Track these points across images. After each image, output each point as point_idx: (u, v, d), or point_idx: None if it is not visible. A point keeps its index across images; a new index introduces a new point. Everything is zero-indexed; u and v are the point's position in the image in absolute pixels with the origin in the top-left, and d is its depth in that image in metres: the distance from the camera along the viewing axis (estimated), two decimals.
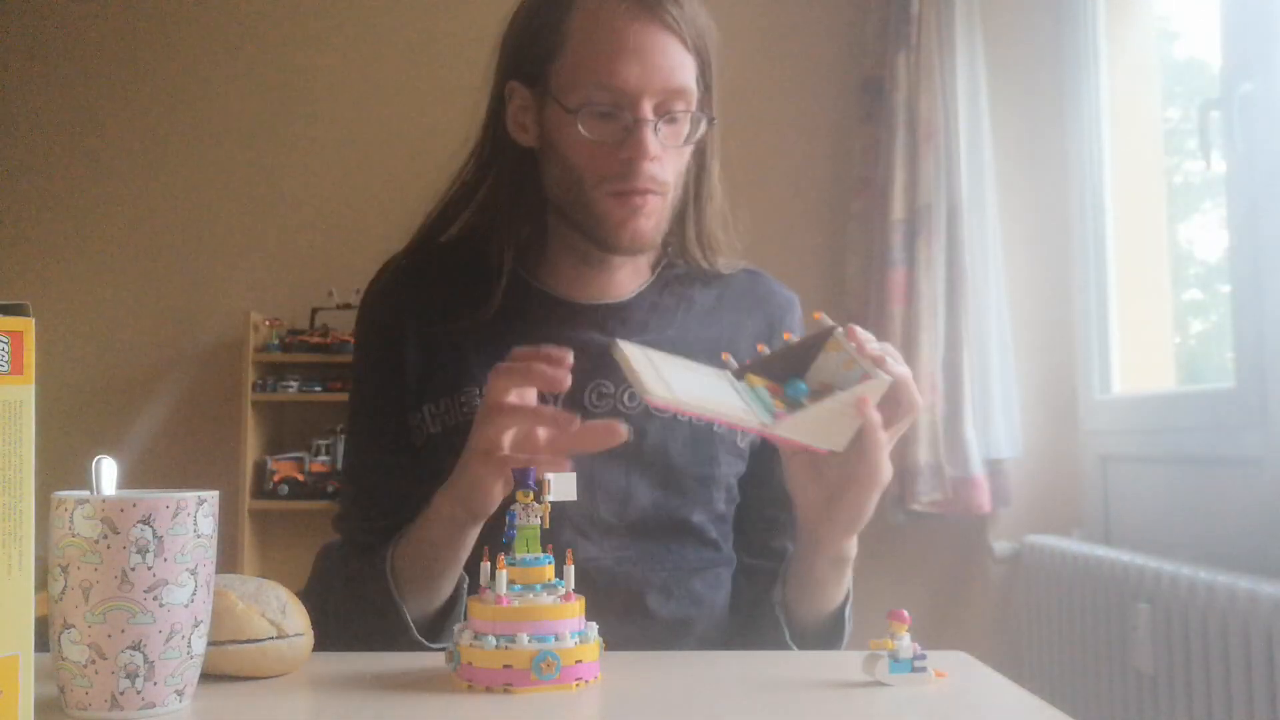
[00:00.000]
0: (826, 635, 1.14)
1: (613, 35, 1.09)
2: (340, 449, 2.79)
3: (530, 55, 1.14)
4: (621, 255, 1.18)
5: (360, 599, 1.10)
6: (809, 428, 0.94)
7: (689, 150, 1.16)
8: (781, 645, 1.13)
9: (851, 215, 2.94)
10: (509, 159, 1.18)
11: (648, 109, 1.09)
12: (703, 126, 1.15)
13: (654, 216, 1.13)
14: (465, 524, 1.03)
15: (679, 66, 1.10)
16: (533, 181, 1.18)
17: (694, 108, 1.13)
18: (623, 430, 0.96)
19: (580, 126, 1.10)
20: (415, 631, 1.06)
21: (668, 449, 1.16)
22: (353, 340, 1.30)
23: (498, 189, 1.19)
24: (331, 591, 1.17)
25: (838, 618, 1.14)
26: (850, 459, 0.98)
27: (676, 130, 1.13)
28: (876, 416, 0.96)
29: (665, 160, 1.12)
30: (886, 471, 0.99)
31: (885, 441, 0.98)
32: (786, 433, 0.93)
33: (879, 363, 0.95)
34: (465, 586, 1.09)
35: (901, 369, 0.97)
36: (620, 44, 1.09)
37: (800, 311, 1.30)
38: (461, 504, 1.02)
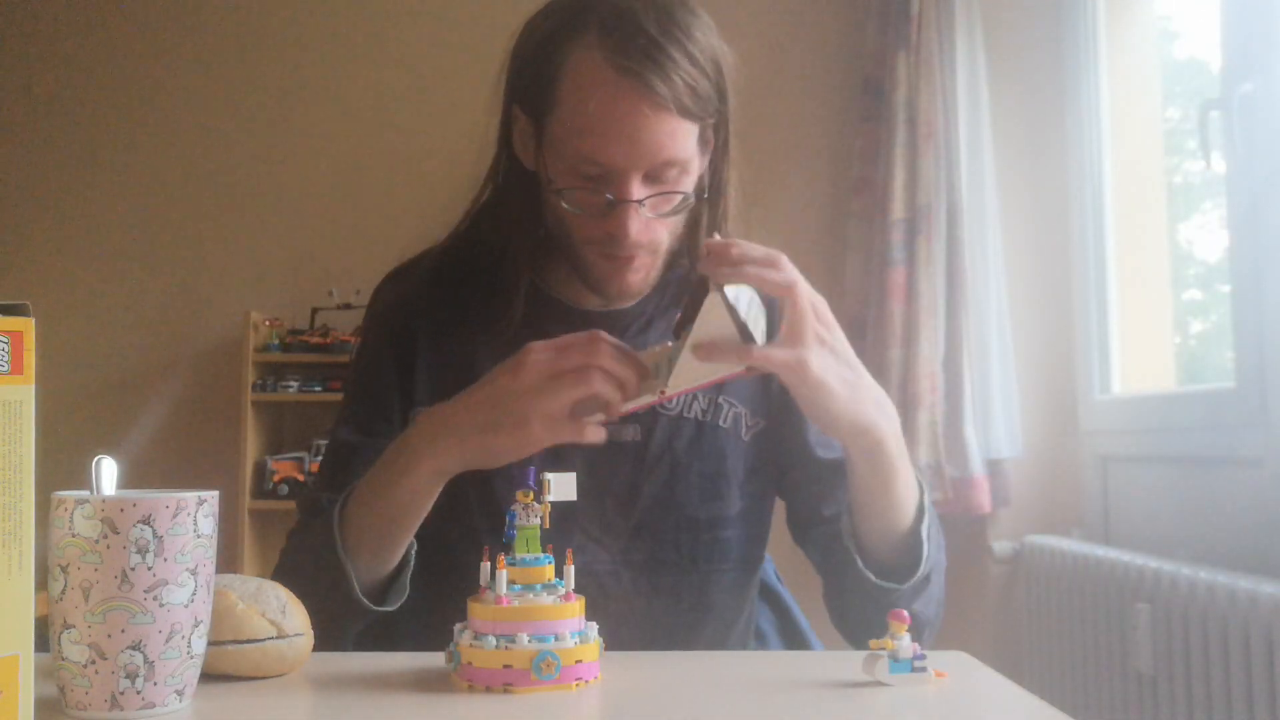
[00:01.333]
0: (902, 557, 1.09)
1: (602, 112, 1.04)
2: None
3: (529, 92, 1.12)
4: (607, 301, 1.17)
5: (304, 560, 1.08)
6: (696, 371, 0.95)
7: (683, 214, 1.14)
8: (863, 583, 1.09)
9: (851, 215, 2.94)
10: (517, 177, 1.18)
11: (634, 186, 1.07)
12: (691, 202, 1.12)
13: (643, 270, 1.13)
14: (450, 474, 1.02)
15: (669, 139, 1.06)
16: (538, 202, 1.17)
17: (691, 170, 1.10)
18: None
19: (564, 204, 1.09)
20: (358, 590, 1.03)
21: (673, 446, 1.16)
22: (361, 330, 1.29)
23: (508, 206, 1.19)
24: (282, 561, 1.15)
25: (911, 540, 1.10)
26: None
27: (668, 199, 1.10)
28: (717, 329, 0.93)
29: (657, 224, 1.11)
30: (788, 356, 0.96)
31: (757, 350, 0.95)
32: (679, 387, 0.96)
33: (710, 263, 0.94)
34: (414, 553, 1.07)
35: (722, 262, 0.94)
36: (607, 122, 1.04)
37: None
38: (460, 457, 1.00)
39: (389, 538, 1.05)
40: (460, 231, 1.23)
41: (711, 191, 1.16)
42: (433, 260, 1.24)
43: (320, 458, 1.26)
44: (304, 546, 1.12)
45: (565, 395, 0.95)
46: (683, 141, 1.07)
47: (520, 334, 1.16)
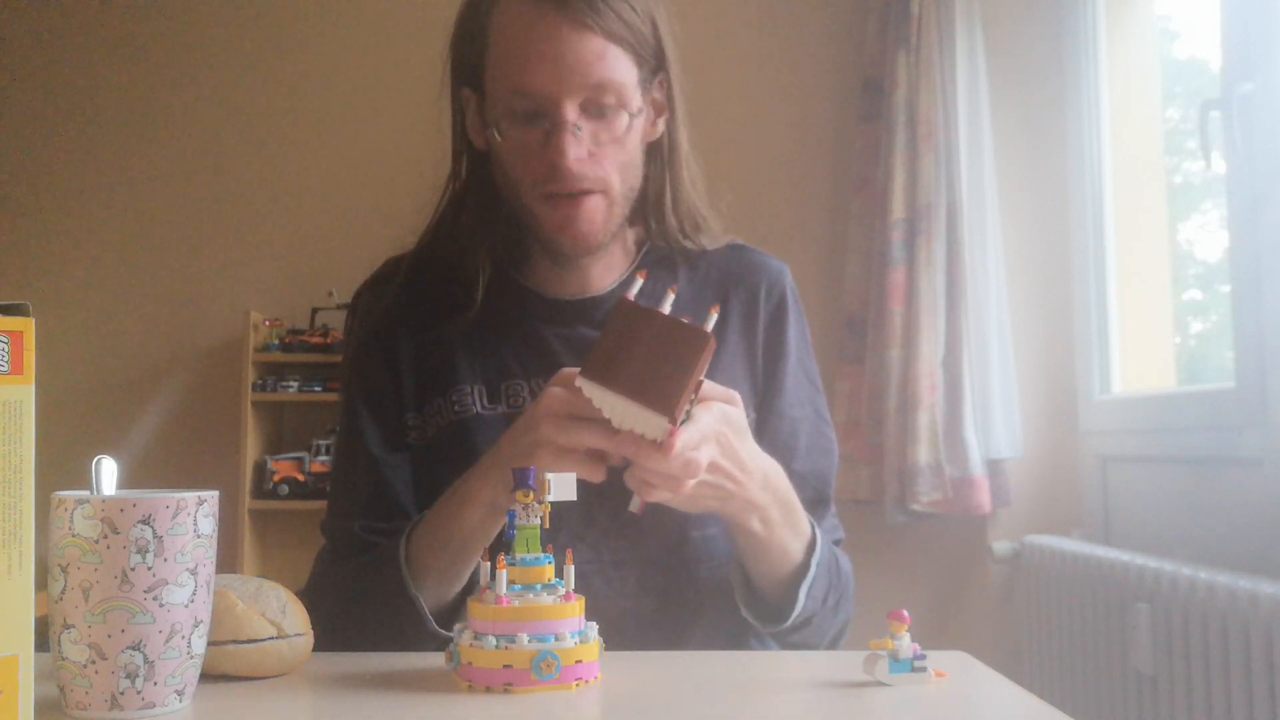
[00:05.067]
0: (782, 601, 1.12)
1: (523, 38, 1.06)
2: None
3: (468, 61, 1.14)
4: (568, 257, 1.17)
5: (367, 595, 1.09)
6: (631, 418, 0.94)
7: (635, 141, 1.14)
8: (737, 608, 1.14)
9: (851, 215, 2.94)
10: (475, 167, 1.19)
11: (569, 110, 1.07)
12: (631, 122, 1.12)
13: (596, 217, 1.12)
14: (504, 508, 1.01)
15: (598, 60, 1.07)
16: (496, 187, 1.18)
17: (630, 99, 1.10)
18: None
19: (497, 134, 1.09)
20: (432, 623, 1.05)
21: None
22: (348, 344, 1.29)
23: (468, 196, 1.20)
24: (329, 593, 1.16)
25: (788, 591, 1.11)
26: None
27: (609, 124, 1.10)
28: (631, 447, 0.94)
29: (601, 156, 1.10)
30: (669, 489, 0.97)
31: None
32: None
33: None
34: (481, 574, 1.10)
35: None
36: (530, 46, 1.06)
37: (790, 280, 1.28)
38: (508, 488, 1.01)
39: (452, 569, 1.07)
40: (430, 233, 1.24)
41: (669, 153, 1.17)
42: (407, 264, 1.25)
43: (333, 475, 1.26)
44: (361, 579, 1.12)
45: (578, 435, 0.95)
46: (612, 64, 1.08)
47: (495, 325, 1.18)
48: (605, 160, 1.11)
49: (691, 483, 0.96)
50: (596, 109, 1.09)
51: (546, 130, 1.08)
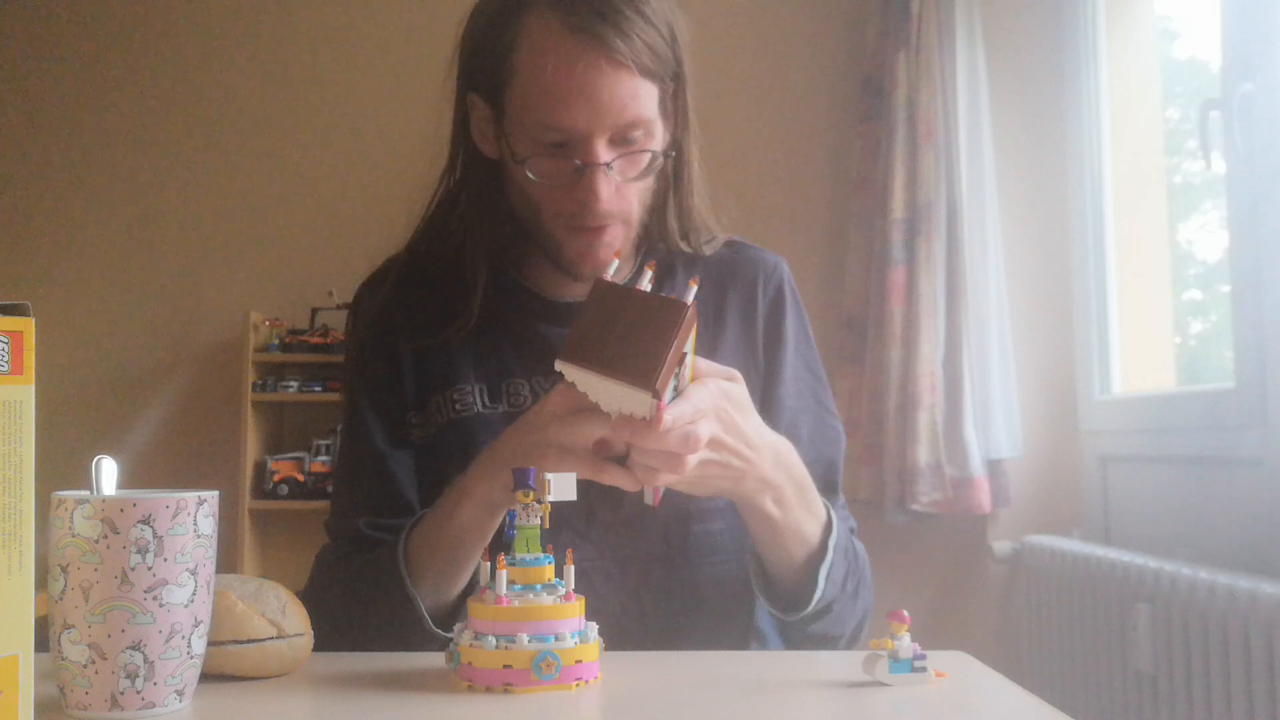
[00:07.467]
0: (800, 588, 1.10)
1: (561, 75, 1.03)
2: None
3: (484, 77, 1.12)
4: (580, 276, 1.17)
5: (368, 594, 1.09)
6: (613, 399, 0.92)
7: (653, 176, 1.14)
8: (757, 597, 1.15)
9: (851, 215, 2.94)
10: (478, 169, 1.18)
11: (600, 149, 1.06)
12: (660, 160, 1.12)
13: (615, 244, 1.13)
14: (501, 506, 1.01)
15: (631, 99, 1.06)
16: (502, 191, 1.18)
17: (655, 131, 1.10)
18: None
19: (529, 173, 1.09)
20: (430, 623, 1.05)
21: None
22: (349, 344, 1.29)
23: (468, 200, 1.19)
24: (331, 592, 1.15)
25: (808, 577, 1.10)
26: None
27: (636, 160, 1.10)
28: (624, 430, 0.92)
29: (627, 190, 1.10)
30: (668, 467, 0.94)
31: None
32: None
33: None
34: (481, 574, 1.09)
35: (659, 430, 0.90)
36: (567, 84, 1.03)
37: (788, 273, 1.28)
38: (505, 486, 0.98)
39: (450, 568, 1.06)
40: (424, 229, 1.23)
41: (675, 165, 1.16)
42: (402, 262, 1.24)
43: (336, 474, 1.26)
44: (360, 579, 1.11)
45: (582, 430, 0.94)
46: (645, 101, 1.07)
47: (494, 325, 1.18)
48: (630, 193, 1.11)
49: (693, 459, 0.93)
50: (623, 139, 1.09)
51: (576, 166, 1.07)
